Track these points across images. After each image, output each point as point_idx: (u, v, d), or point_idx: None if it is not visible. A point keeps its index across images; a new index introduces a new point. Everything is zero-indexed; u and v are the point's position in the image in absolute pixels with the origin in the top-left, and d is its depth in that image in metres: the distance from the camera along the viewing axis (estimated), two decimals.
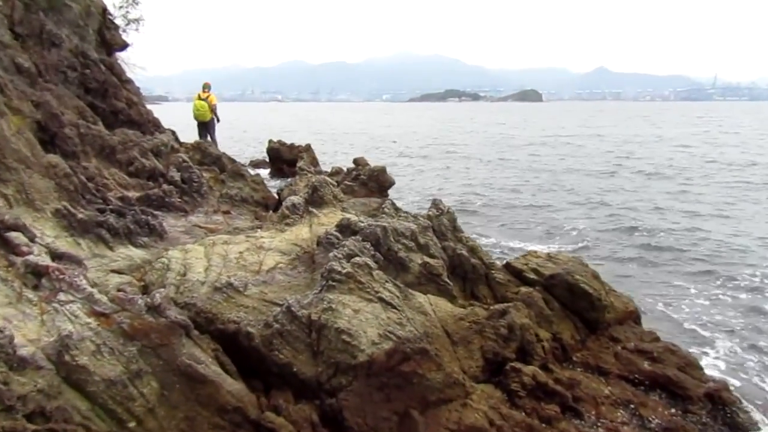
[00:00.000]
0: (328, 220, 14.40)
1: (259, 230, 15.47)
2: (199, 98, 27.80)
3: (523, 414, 10.14)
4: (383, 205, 14.56)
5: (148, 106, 25.41)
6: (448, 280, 12.25)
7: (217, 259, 12.50)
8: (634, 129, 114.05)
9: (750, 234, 26.49)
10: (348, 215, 13.83)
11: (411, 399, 9.77)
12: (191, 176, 19.50)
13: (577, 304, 12.46)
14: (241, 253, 12.76)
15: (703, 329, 15.99)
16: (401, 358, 9.66)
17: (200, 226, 17.18)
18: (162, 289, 9.28)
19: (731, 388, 11.31)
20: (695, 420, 10.64)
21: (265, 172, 42.34)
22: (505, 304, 11.71)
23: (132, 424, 8.03)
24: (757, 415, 11.06)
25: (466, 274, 13.45)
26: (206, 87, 28.27)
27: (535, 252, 14.39)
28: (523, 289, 12.90)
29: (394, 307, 10.08)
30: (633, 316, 13.35)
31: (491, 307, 11.71)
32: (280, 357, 9.83)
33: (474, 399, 9.83)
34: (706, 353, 14.33)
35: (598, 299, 12.32)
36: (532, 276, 13.24)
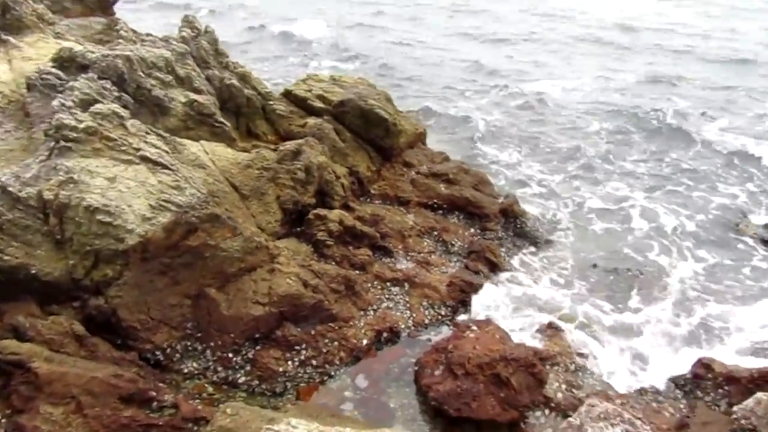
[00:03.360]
0: (37, 51, 10.33)
1: None
2: None
3: (334, 264, 9.04)
4: (117, 27, 10.90)
5: None
6: (224, 120, 9.86)
7: None
8: None
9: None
10: (67, 43, 10.05)
11: (205, 277, 7.85)
12: None
13: (371, 131, 11.22)
14: None
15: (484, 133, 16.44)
16: (186, 231, 7.50)
17: None
18: None
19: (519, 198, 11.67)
20: (492, 236, 10.77)
21: None
22: (296, 142, 9.92)
23: None
24: (542, 227, 11.67)
25: (240, 108, 11.10)
26: None
27: (316, 75, 12.48)
28: (311, 120, 11.14)
29: (166, 167, 7.60)
30: (422, 138, 12.72)
31: (280, 147, 9.82)
32: (5, 258, 6.91)
33: (282, 261, 8.32)
34: (495, 165, 14.73)
35: (393, 124, 11.22)
36: (319, 104, 11.46)
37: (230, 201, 8.54)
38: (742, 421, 3.22)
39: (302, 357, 7.94)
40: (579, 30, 33.02)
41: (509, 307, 9.41)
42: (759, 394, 3.30)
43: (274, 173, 9.30)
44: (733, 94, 21.71)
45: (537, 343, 8.48)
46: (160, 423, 6.65)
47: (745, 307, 9.80)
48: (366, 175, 11.16)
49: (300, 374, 7.85)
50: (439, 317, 9.05)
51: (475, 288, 9.38)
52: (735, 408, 3.37)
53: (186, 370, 7.73)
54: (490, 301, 9.40)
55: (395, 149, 11.71)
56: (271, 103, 11.35)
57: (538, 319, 9.14)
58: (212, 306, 7.88)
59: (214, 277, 7.94)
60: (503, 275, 10.10)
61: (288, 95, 11.79)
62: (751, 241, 11.72)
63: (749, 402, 3.29)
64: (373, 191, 11.23)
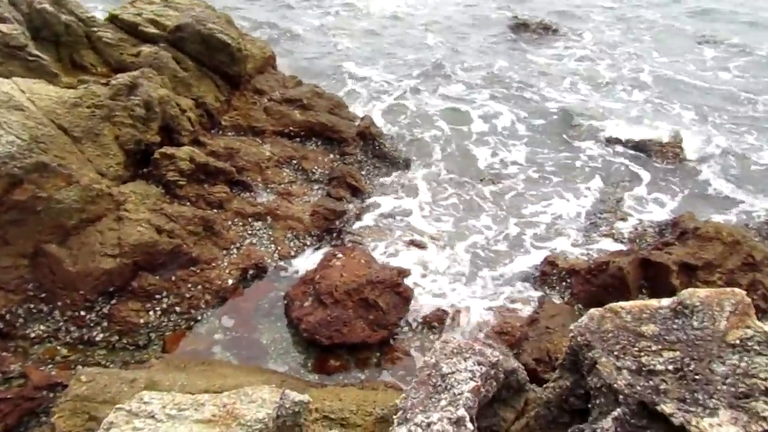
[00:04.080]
0: None
1: None
2: None
3: (189, 205, 8.56)
4: None
5: None
6: (39, 53, 8.61)
7: None
8: None
9: None
10: None
11: (41, 233, 7.07)
12: None
13: (215, 58, 10.43)
14: None
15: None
16: (9, 184, 6.63)
17: None
18: None
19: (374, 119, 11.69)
20: (352, 160, 10.76)
21: None
22: (131, 74, 8.95)
23: None
24: (398, 144, 11.84)
25: (58, 37, 9.75)
26: None
27: None
28: (145, 48, 10.09)
29: None
30: (271, 62, 12.10)
31: (113, 81, 8.83)
32: None
33: (130, 208, 7.69)
34: (349, 82, 14.53)
35: (238, 50, 10.48)
36: (152, 29, 10.37)
37: (59, 146, 7.61)
38: (578, 339, 3.55)
39: (164, 305, 7.57)
40: None
41: (373, 229, 9.59)
42: (591, 310, 3.65)
43: (108, 111, 8.39)
44: (576, 9, 23.12)
45: (401, 261, 8.79)
46: (9, 396, 6.09)
47: (577, 202, 10.81)
48: (215, 105, 10.48)
49: (164, 323, 7.51)
50: (305, 248, 9.03)
51: (339, 214, 9.41)
52: (571, 326, 3.70)
53: (33, 335, 7.07)
54: (355, 226, 9.52)
55: (243, 76, 11.05)
56: (95, 29, 10.08)
57: (400, 238, 9.44)
58: (54, 263, 7.16)
59: (51, 232, 7.17)
60: (366, 199, 10.22)
61: (114, 20, 10.49)
62: (583, 141, 12.83)
63: (583, 319, 3.63)
64: (224, 123, 10.62)
